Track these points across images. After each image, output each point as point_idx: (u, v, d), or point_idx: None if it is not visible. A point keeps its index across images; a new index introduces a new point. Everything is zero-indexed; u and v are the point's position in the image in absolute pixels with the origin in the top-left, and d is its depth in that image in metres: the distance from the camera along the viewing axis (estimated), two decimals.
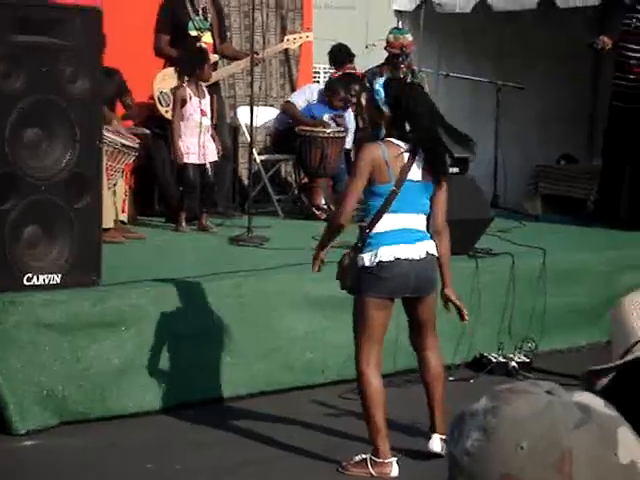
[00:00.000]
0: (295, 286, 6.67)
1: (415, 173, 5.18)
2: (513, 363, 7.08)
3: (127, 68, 8.92)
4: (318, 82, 10.14)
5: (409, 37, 9.49)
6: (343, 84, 9.55)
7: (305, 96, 9.79)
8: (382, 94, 5.21)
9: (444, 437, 5.23)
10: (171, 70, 8.79)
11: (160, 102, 8.77)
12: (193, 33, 8.82)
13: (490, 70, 10.36)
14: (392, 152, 5.15)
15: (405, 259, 5.13)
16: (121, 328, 5.95)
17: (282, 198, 9.77)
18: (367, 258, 5.15)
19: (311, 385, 6.61)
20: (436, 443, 5.40)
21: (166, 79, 8.78)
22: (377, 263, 5.12)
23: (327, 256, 5.43)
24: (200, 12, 8.84)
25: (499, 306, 7.30)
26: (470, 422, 1.35)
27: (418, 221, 5.23)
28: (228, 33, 9.81)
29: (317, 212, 9.20)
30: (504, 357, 7.14)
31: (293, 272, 6.75)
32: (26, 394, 5.66)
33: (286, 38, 9.54)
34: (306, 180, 9.61)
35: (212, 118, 8.42)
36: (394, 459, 5.29)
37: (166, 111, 8.72)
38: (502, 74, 10.17)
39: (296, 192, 9.90)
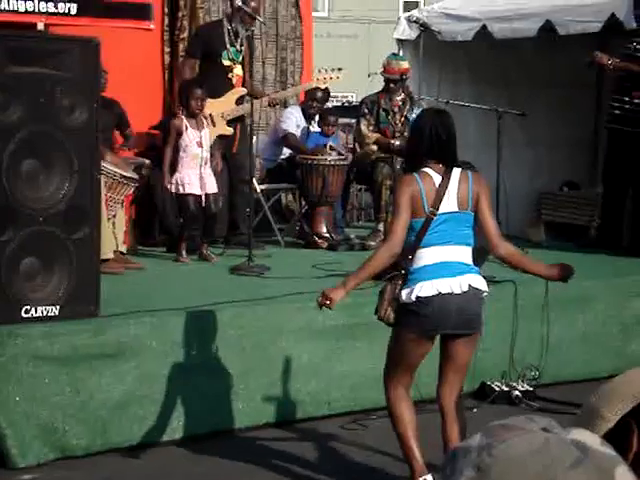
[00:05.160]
0: (297, 316, 6.62)
1: (450, 204, 5.01)
2: (516, 392, 7.02)
3: (126, 99, 8.92)
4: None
5: (406, 63, 9.54)
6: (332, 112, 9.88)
7: (295, 121, 9.86)
8: (414, 123, 5.17)
9: None
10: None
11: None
12: (226, 63, 8.81)
13: (492, 97, 10.34)
14: (427, 184, 5.01)
15: (445, 293, 4.93)
16: (120, 360, 5.90)
17: (283, 227, 9.75)
18: (405, 294, 4.97)
19: (316, 417, 6.55)
20: None
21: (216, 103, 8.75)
22: (416, 298, 4.95)
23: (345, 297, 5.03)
24: (237, 45, 8.84)
25: (502, 334, 7.24)
26: (463, 460, 1.30)
27: (460, 253, 5.01)
28: None
29: (319, 240, 9.17)
30: (507, 386, 7.08)
31: (295, 301, 6.71)
32: (25, 428, 5.60)
33: (315, 77, 9.44)
34: (307, 208, 9.60)
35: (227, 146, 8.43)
36: (429, 475, 5.12)
37: None
38: (504, 101, 10.14)
39: (298, 222, 9.88)
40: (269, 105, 9.33)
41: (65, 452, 5.73)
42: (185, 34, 10.23)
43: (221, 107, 8.72)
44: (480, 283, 5.06)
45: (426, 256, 5.00)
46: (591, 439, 1.33)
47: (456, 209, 5.03)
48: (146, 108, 9.58)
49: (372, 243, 8.93)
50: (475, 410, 6.83)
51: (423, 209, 4.99)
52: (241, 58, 8.91)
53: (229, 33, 8.82)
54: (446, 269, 4.98)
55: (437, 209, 4.99)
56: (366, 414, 6.63)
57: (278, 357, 6.47)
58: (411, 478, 5.15)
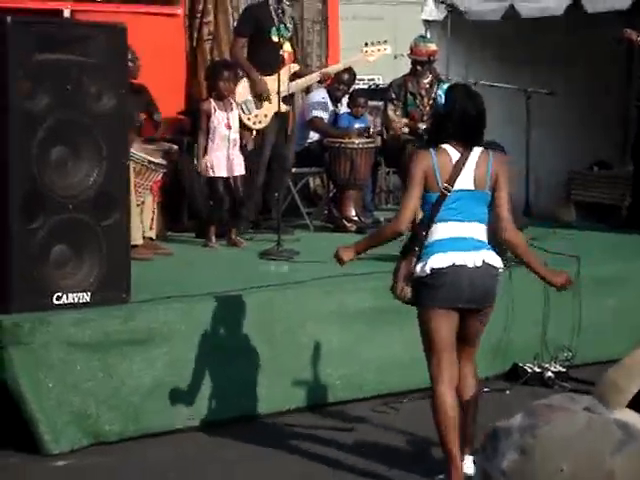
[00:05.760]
0: (326, 300, 6.61)
1: (466, 182, 5.01)
2: (549, 373, 6.98)
3: (150, 85, 8.91)
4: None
5: (433, 45, 9.48)
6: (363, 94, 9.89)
7: (322, 104, 9.84)
8: (442, 99, 5.12)
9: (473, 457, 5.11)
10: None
11: (243, 110, 8.70)
12: (275, 39, 8.75)
13: (520, 77, 10.27)
14: (442, 159, 5.01)
15: (458, 265, 4.96)
16: (151, 345, 5.91)
17: (311, 211, 9.72)
18: (420, 267, 5.01)
19: (347, 400, 6.53)
20: (469, 465, 5.24)
21: (249, 87, 8.73)
22: (430, 270, 4.98)
23: (354, 259, 5.21)
24: (287, 22, 8.80)
25: (534, 315, 7.21)
26: (505, 440, 1.28)
27: (474, 230, 5.03)
28: None
29: (347, 224, 9.15)
30: (540, 367, 7.04)
31: (324, 285, 6.69)
32: (58, 414, 5.62)
33: (364, 50, 9.33)
34: (335, 192, 9.58)
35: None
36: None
37: (248, 119, 8.68)
38: (533, 80, 10.08)
39: (325, 206, 9.85)
40: (319, 81, 9.32)
41: (98, 438, 5.74)
42: (210, 17, 10.21)
43: (275, 84, 8.64)
44: (494, 260, 5.06)
45: (440, 231, 5.02)
46: (634, 419, 1.30)
47: (472, 187, 5.03)
48: (170, 93, 9.57)
49: None
50: (508, 392, 6.80)
51: (437, 184, 5.01)
52: (289, 35, 8.87)
53: (276, 10, 8.77)
54: (460, 243, 5.00)
55: (452, 185, 5.00)
56: (397, 397, 6.62)
57: (308, 341, 6.46)
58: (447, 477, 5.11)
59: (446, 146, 5.05)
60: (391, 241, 5.16)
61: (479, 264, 4.99)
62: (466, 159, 5.02)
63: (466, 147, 5.04)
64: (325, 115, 9.87)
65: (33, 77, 5.78)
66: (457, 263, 4.96)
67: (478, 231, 5.05)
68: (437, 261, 4.97)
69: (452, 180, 4.99)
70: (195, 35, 10.23)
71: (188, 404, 6.03)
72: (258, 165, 8.77)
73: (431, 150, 5.06)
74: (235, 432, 6.03)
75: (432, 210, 5.03)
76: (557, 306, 7.27)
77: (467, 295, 5.01)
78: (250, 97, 8.72)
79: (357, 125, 9.64)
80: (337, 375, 6.54)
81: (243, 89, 8.75)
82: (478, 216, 5.06)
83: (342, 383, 6.55)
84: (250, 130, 8.72)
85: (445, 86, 5.27)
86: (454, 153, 5.04)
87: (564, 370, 7.06)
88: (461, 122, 5.04)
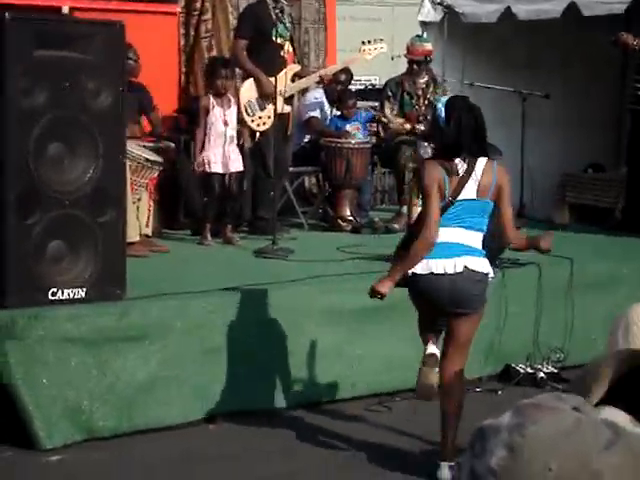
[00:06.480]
0: (321, 298, 6.63)
1: (469, 192, 5.18)
2: (541, 374, 7.01)
3: (152, 83, 8.93)
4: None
5: (429, 45, 9.49)
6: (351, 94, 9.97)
7: (318, 104, 9.87)
8: (442, 113, 5.21)
9: (452, 464, 5.16)
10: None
11: (247, 111, 8.69)
12: (275, 39, 8.63)
13: (516, 79, 10.29)
14: (451, 171, 5.19)
15: (438, 273, 5.14)
16: (146, 342, 5.93)
17: (306, 210, 9.74)
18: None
19: (340, 399, 6.56)
20: (445, 472, 5.30)
21: (254, 88, 8.73)
22: (411, 274, 5.18)
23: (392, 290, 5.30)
24: (286, 21, 8.79)
25: (527, 316, 7.24)
26: (494, 438, 1.30)
27: (465, 236, 5.18)
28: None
29: (342, 223, 9.17)
30: (532, 368, 7.07)
31: (318, 284, 6.72)
32: (52, 409, 5.64)
33: (362, 49, 9.26)
34: (331, 191, 9.59)
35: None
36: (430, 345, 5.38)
37: (252, 120, 8.68)
38: (528, 82, 10.10)
39: (320, 205, 9.87)
40: (318, 82, 9.33)
41: (92, 434, 5.77)
42: (208, 15, 10.22)
43: (279, 84, 8.47)
44: (478, 265, 5.19)
45: None
46: (622, 418, 1.32)
47: (474, 197, 5.19)
48: (167, 91, 9.60)
49: (396, 226, 8.93)
50: (500, 392, 6.83)
51: (444, 195, 5.18)
52: (288, 35, 8.86)
53: (274, 9, 8.73)
54: (445, 250, 5.16)
55: (456, 197, 5.17)
56: (390, 396, 6.64)
57: (302, 340, 6.48)
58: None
59: (455, 159, 5.21)
60: (424, 256, 5.20)
61: (460, 269, 5.15)
62: (472, 170, 5.19)
63: (472, 158, 5.20)
64: (320, 114, 9.89)
65: (31, 74, 5.79)
66: (435, 271, 5.16)
67: (469, 238, 5.20)
68: (418, 267, 5.18)
69: (457, 192, 5.18)
70: (192, 33, 10.24)
71: (182, 401, 6.05)
72: (265, 167, 8.71)
73: (438, 160, 5.25)
74: (228, 429, 6.06)
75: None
76: (549, 307, 7.30)
77: (447, 300, 5.20)
78: (254, 98, 8.69)
79: (348, 127, 9.66)
80: (330, 373, 6.56)
81: (248, 89, 8.72)
82: (473, 224, 5.21)
83: (335, 381, 6.57)
84: (253, 131, 8.71)
85: (444, 99, 5.38)
86: (461, 164, 5.20)
87: (556, 371, 7.09)
88: (464, 136, 5.18)
